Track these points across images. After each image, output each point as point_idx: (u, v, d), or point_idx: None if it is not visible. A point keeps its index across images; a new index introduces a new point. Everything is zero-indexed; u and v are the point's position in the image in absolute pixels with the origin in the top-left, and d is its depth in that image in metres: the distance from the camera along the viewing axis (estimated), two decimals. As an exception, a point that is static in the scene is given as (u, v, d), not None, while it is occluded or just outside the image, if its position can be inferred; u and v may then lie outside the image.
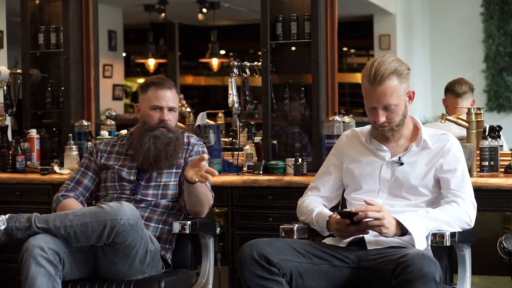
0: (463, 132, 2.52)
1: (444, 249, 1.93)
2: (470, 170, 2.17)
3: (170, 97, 2.17)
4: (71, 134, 2.83)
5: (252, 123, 2.72)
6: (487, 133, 2.37)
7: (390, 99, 1.88)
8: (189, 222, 2.06)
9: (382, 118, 1.90)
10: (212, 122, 2.79)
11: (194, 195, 2.08)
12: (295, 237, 1.94)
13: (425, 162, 1.94)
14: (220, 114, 3.02)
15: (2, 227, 1.94)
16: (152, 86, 2.18)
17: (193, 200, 2.10)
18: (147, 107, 2.18)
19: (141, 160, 2.16)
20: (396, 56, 1.94)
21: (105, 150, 2.25)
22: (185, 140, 2.23)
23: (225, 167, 2.67)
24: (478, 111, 2.46)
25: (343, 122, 2.56)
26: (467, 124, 2.47)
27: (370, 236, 1.87)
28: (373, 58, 1.94)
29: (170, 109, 2.18)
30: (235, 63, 2.65)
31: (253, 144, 2.66)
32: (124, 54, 6.80)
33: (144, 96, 2.20)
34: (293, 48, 2.74)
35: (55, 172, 2.74)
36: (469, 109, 2.47)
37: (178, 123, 3.11)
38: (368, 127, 2.03)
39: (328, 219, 1.91)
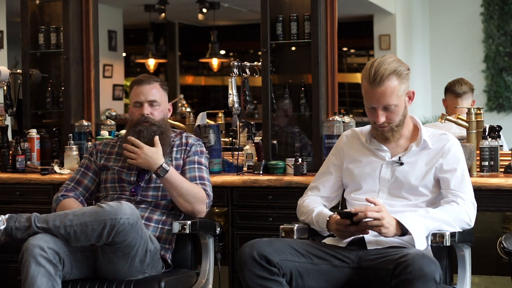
0: (463, 132, 2.52)
1: (444, 249, 1.93)
2: (470, 170, 2.17)
3: (148, 91, 2.18)
4: (71, 134, 2.83)
5: (252, 123, 2.71)
6: (487, 133, 2.37)
7: (390, 100, 1.88)
8: (189, 222, 2.06)
9: (382, 119, 1.90)
10: (212, 122, 2.79)
11: (172, 189, 2.09)
12: (295, 237, 1.94)
13: (425, 162, 1.94)
14: (220, 114, 3.01)
15: (2, 227, 1.94)
16: (134, 85, 2.22)
17: (175, 196, 2.10)
18: (131, 105, 2.22)
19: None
20: (396, 57, 1.94)
21: (105, 150, 2.26)
22: (183, 140, 2.23)
23: (225, 167, 2.67)
24: (478, 111, 2.46)
25: (343, 122, 2.56)
26: (467, 124, 2.47)
27: (370, 236, 1.87)
28: (373, 58, 1.94)
29: (151, 104, 2.18)
30: (235, 63, 2.65)
31: (253, 144, 2.66)
32: (124, 54, 6.80)
33: (130, 95, 2.24)
34: (293, 48, 2.73)
35: (55, 172, 2.74)
36: (469, 109, 2.47)
37: (179, 123, 3.11)
38: (368, 127, 2.03)
39: (328, 219, 1.91)
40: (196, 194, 2.12)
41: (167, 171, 2.08)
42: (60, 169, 2.77)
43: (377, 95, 1.88)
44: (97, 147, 2.27)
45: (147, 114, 2.17)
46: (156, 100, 2.19)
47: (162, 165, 2.08)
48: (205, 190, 2.15)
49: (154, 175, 2.17)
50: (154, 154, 2.09)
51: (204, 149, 2.26)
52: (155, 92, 2.19)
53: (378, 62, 1.89)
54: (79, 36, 2.95)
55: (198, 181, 2.16)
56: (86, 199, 2.23)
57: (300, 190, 2.18)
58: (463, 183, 1.92)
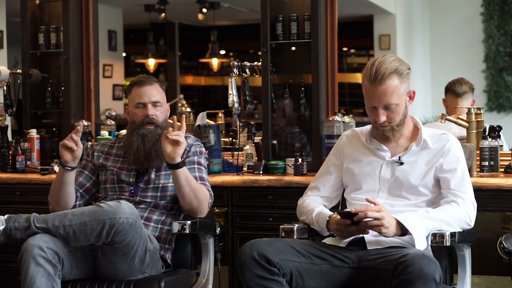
0: (463, 132, 2.52)
1: (444, 249, 1.94)
2: (470, 170, 2.17)
3: (152, 92, 2.18)
4: (71, 134, 2.84)
5: (252, 123, 2.72)
6: (487, 133, 2.37)
7: (391, 99, 1.88)
8: (189, 222, 2.06)
9: (383, 118, 1.90)
10: (212, 122, 2.80)
11: (187, 182, 2.05)
12: (295, 237, 1.94)
13: (425, 162, 1.94)
14: (220, 114, 3.02)
15: (1, 228, 1.94)
16: (134, 86, 2.21)
17: (187, 191, 2.06)
18: (132, 107, 2.20)
19: (132, 160, 2.17)
20: (397, 56, 1.94)
21: (103, 150, 2.26)
22: None
23: (225, 167, 2.67)
24: (478, 111, 2.46)
25: (343, 122, 2.57)
26: (467, 124, 2.47)
27: (370, 236, 1.88)
28: (374, 58, 1.94)
29: (154, 104, 2.18)
30: (235, 63, 2.66)
31: (253, 144, 2.66)
32: (124, 54, 6.81)
33: (129, 97, 2.23)
34: (293, 48, 2.74)
35: (55, 172, 2.73)
36: (469, 109, 2.47)
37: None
38: (368, 127, 2.03)
39: (328, 219, 1.91)
40: (203, 192, 2.11)
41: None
42: (60, 169, 2.77)
43: (378, 94, 1.88)
44: (94, 147, 2.28)
45: (152, 115, 2.17)
46: (159, 101, 2.19)
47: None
48: (207, 190, 2.15)
49: (153, 176, 2.17)
50: None
51: (203, 149, 2.26)
52: (156, 93, 2.19)
53: (379, 61, 1.89)
54: (79, 36, 2.96)
55: (198, 181, 2.16)
56: (81, 196, 2.21)
57: (300, 190, 2.18)
58: (463, 183, 1.92)
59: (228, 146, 2.81)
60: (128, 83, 7.48)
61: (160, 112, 2.19)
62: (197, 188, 2.10)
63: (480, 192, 2.10)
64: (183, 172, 2.07)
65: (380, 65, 1.87)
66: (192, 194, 2.09)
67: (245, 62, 2.68)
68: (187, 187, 2.08)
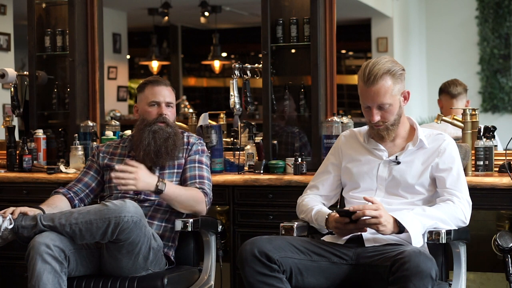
0: (458, 132, 2.53)
1: (440, 246, 1.96)
2: (465, 170, 2.17)
3: (166, 93, 2.22)
4: (76, 135, 2.86)
5: (253, 123, 2.73)
6: (481, 133, 2.39)
7: (384, 99, 1.91)
8: (191, 220, 2.09)
9: (377, 117, 1.93)
10: (214, 123, 2.82)
11: (172, 201, 2.09)
12: (294, 234, 1.96)
13: (421, 161, 1.96)
14: (221, 115, 3.04)
15: (10, 226, 1.98)
16: (148, 84, 2.23)
17: (176, 206, 2.11)
18: (145, 104, 2.22)
19: (142, 156, 2.18)
20: (391, 57, 1.97)
21: (108, 151, 2.29)
22: (185, 139, 2.26)
23: (226, 167, 2.70)
24: (473, 112, 2.47)
25: (342, 122, 2.58)
26: (462, 125, 2.48)
27: (368, 234, 1.90)
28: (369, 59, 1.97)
29: (168, 105, 2.22)
30: (237, 65, 2.67)
31: (253, 144, 2.68)
32: (128, 57, 6.86)
33: (141, 95, 2.24)
34: (293, 51, 2.76)
35: (61, 172, 2.77)
36: (464, 110, 2.48)
37: (181, 124, 3.18)
38: (365, 127, 2.05)
39: (327, 217, 1.94)
40: (195, 197, 2.13)
41: (165, 184, 2.06)
42: (65, 168, 2.80)
43: (371, 94, 1.91)
44: (99, 148, 2.31)
45: (165, 114, 2.20)
46: (172, 102, 2.24)
47: (157, 183, 2.04)
48: (202, 189, 2.16)
49: (157, 175, 2.20)
50: (149, 175, 2.04)
51: (205, 147, 2.29)
52: (169, 94, 2.24)
53: (373, 62, 1.92)
54: (84, 38, 2.98)
55: (197, 180, 2.19)
56: (86, 195, 2.26)
57: (299, 189, 2.20)
58: (459, 182, 1.94)
59: (230, 146, 2.83)
60: (132, 84, 7.47)
61: (171, 113, 2.23)
62: (187, 199, 2.10)
63: (475, 191, 2.12)
64: (168, 193, 2.05)
65: (374, 66, 1.90)
66: (182, 207, 2.11)
67: (246, 64, 2.70)
68: (174, 203, 2.09)
